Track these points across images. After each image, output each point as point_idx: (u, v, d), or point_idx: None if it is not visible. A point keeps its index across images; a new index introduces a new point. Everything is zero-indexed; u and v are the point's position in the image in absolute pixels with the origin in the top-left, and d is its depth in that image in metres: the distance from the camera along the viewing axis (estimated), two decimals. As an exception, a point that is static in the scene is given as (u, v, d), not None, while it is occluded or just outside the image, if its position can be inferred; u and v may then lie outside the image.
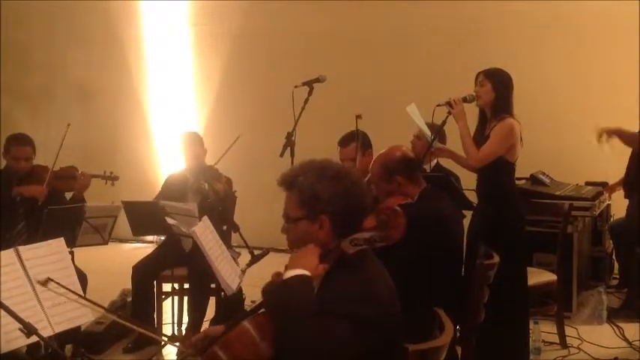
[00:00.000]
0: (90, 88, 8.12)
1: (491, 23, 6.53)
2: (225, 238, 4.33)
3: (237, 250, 4.50)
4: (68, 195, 4.53)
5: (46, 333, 2.57)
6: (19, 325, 2.37)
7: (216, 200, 4.39)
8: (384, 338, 2.01)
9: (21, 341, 2.48)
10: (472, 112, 4.04)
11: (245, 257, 3.89)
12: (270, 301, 2.01)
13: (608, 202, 5.75)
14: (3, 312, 2.39)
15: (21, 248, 2.68)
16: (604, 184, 5.73)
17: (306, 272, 2.00)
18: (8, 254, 2.64)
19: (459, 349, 3.10)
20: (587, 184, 5.68)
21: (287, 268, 2.06)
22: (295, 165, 2.19)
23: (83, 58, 8.13)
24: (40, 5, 8.11)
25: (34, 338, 2.43)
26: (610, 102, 6.13)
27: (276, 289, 2.05)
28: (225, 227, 4.48)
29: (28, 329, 2.36)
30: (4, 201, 4.26)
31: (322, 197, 2.08)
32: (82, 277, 3.85)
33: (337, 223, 2.09)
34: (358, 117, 4.32)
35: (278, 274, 2.15)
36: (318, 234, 2.10)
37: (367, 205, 2.16)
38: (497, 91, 3.88)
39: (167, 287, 4.66)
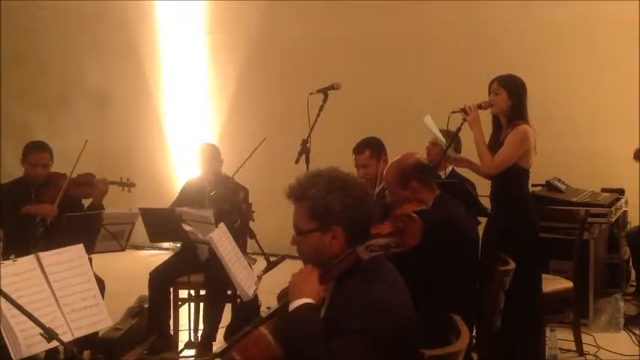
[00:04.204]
0: (106, 96, 8.20)
1: (507, 29, 6.52)
2: (241, 244, 4.35)
3: (253, 256, 4.52)
4: (86, 202, 4.57)
5: (66, 338, 2.60)
6: (39, 330, 2.40)
7: (236, 210, 4.41)
8: (399, 348, 2.02)
9: (41, 346, 2.51)
10: (486, 119, 4.04)
11: (261, 264, 3.91)
12: (282, 336, 2.04)
13: (624, 208, 5.72)
14: (24, 317, 2.42)
15: (41, 254, 2.71)
16: (620, 191, 5.70)
17: (309, 300, 2.03)
18: (29, 260, 2.68)
19: (474, 355, 3.11)
20: (604, 190, 5.65)
21: (289, 296, 2.08)
22: (302, 177, 2.19)
23: (100, 66, 8.21)
24: (57, 14, 8.20)
25: (54, 343, 2.46)
26: (628, 107, 6.10)
27: (284, 322, 2.07)
28: (241, 241, 4.49)
29: (49, 334, 2.38)
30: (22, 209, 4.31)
31: (334, 208, 2.09)
32: (100, 283, 3.89)
33: (350, 233, 2.11)
34: None
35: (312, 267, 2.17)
36: (332, 244, 2.11)
37: (374, 210, 2.18)
38: (513, 99, 3.88)
39: (183, 294, 4.69)
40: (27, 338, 2.47)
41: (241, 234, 4.45)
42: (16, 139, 5.69)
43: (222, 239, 3.41)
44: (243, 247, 4.43)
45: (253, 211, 4.57)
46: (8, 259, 2.75)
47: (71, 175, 4.41)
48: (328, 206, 2.09)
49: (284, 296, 2.23)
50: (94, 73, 8.24)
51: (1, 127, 8.28)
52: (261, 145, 4.46)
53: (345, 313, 1.98)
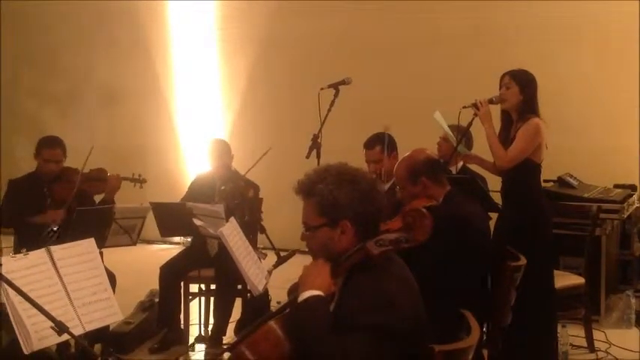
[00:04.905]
0: (117, 92, 8.22)
1: (519, 26, 6.49)
2: (252, 239, 4.36)
3: (263, 251, 4.53)
4: (97, 197, 4.59)
5: (77, 331, 2.61)
6: (50, 324, 2.41)
7: (245, 205, 4.41)
8: (410, 343, 2.01)
9: (52, 339, 2.53)
10: (496, 114, 4.02)
11: (271, 258, 3.92)
12: (289, 326, 2.04)
13: (637, 204, 5.68)
14: (35, 310, 2.43)
15: (53, 248, 2.73)
16: (632, 187, 5.67)
17: (320, 292, 2.03)
18: (40, 254, 2.69)
19: (485, 352, 3.10)
20: (616, 186, 5.62)
21: (299, 287, 2.08)
22: (310, 172, 2.19)
23: (110, 61, 8.23)
24: (68, 9, 8.23)
25: (65, 336, 2.47)
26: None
27: (292, 313, 2.07)
28: (251, 236, 4.50)
29: (60, 327, 2.40)
30: (36, 203, 4.34)
31: (342, 203, 2.09)
32: (111, 277, 3.91)
33: (359, 227, 2.10)
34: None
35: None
36: (341, 239, 2.11)
37: (384, 206, 2.18)
38: (525, 94, 3.86)
39: (194, 288, 4.71)
40: (38, 331, 2.49)
41: (252, 229, 4.46)
42: (28, 135, 5.73)
43: (232, 234, 3.42)
44: (253, 242, 4.44)
45: (262, 212, 4.58)
46: (20, 252, 2.77)
47: (83, 168, 4.43)
48: (336, 201, 2.09)
49: (294, 291, 2.23)
50: (105, 69, 8.27)
51: (15, 123, 8.35)
52: (269, 142, 4.47)
53: (355, 308, 1.97)
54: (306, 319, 1.99)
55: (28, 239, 4.16)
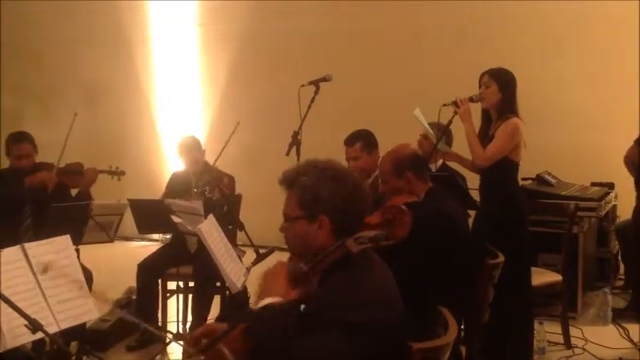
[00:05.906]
0: (98, 88, 8.16)
1: (499, 23, 6.52)
2: (231, 236, 4.33)
3: (242, 248, 4.51)
4: (74, 191, 4.54)
5: (52, 329, 2.58)
6: (24, 322, 2.38)
7: (221, 199, 4.40)
8: (384, 342, 1.99)
9: (26, 337, 2.49)
10: (476, 113, 4.04)
11: (250, 256, 3.89)
12: (251, 337, 2.01)
13: (614, 202, 5.73)
14: (9, 308, 2.39)
15: (27, 245, 2.69)
16: (610, 185, 5.72)
17: (276, 299, 2.02)
18: (14, 251, 2.65)
19: (463, 349, 3.11)
20: (593, 184, 5.67)
21: (259, 295, 2.07)
22: (297, 164, 2.19)
23: (92, 58, 8.18)
24: (50, 6, 8.15)
25: (39, 334, 2.44)
26: (619, 102, 6.11)
27: (251, 324, 2.03)
28: (230, 226, 4.49)
29: (34, 325, 2.36)
30: (10, 198, 4.28)
31: (322, 198, 2.08)
32: (88, 275, 3.87)
33: (337, 224, 2.09)
34: None
35: (282, 265, 2.17)
36: (317, 234, 2.09)
37: (367, 207, 2.16)
38: (504, 93, 3.87)
39: (172, 285, 4.68)
40: (11, 329, 2.45)
41: (231, 220, 4.44)
42: (9, 131, 5.63)
43: (210, 231, 3.39)
44: (232, 239, 4.42)
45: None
46: (-7, 249, 2.72)
47: (60, 157, 4.39)
48: (317, 195, 2.08)
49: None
50: (86, 66, 8.20)
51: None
52: (249, 138, 4.44)
53: (330, 305, 1.95)
54: (264, 327, 1.97)
55: (5, 235, 4.10)
